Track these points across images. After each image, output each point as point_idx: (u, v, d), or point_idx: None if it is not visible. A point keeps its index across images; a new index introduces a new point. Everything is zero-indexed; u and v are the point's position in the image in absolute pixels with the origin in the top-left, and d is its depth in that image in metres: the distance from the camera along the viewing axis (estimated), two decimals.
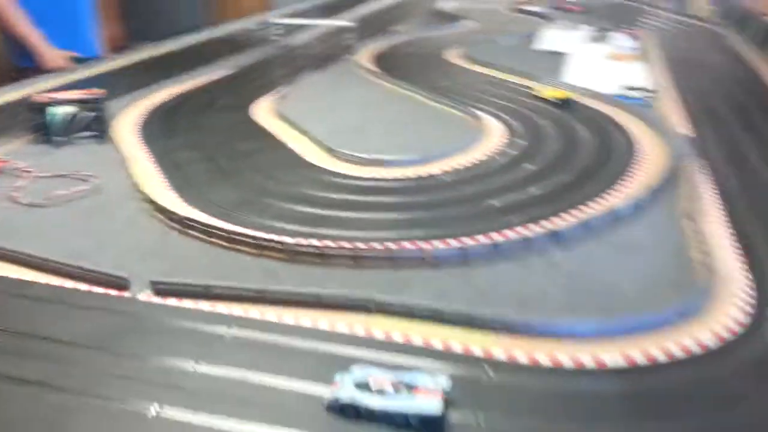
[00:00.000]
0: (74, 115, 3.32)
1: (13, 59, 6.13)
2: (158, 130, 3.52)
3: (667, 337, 1.87)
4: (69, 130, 3.33)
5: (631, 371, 1.72)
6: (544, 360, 1.70)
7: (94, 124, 3.33)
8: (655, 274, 2.09)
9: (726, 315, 1.96)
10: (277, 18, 5.99)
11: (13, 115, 3.61)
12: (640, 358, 1.77)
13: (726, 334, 1.86)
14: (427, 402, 1.53)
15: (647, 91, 4.21)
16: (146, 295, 1.95)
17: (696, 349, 1.80)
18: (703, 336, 1.87)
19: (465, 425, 1.32)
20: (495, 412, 1.41)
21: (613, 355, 1.79)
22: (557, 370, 1.61)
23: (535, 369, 1.61)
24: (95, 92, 3.48)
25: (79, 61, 5.29)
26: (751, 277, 2.07)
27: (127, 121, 3.79)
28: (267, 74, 4.94)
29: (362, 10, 7.86)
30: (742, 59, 5.07)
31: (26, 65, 5.30)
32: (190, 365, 1.61)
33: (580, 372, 1.63)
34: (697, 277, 1.99)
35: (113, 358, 1.67)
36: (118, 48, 5.95)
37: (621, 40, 5.77)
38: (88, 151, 3.16)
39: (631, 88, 4.33)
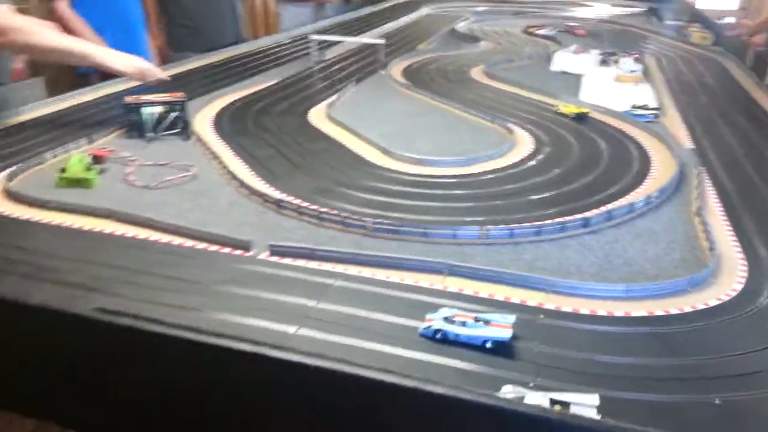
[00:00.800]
0: (163, 115, 4.14)
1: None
2: (231, 129, 3.78)
3: (680, 299, 2.55)
4: (158, 127, 4.28)
5: (651, 319, 2.29)
6: (584, 311, 2.43)
7: (178, 123, 4.31)
8: (670, 255, 2.68)
9: (725, 284, 2.61)
10: (312, 34, 7.29)
11: (100, 113, 4.56)
12: (658, 312, 2.52)
13: (724, 297, 2.51)
14: (500, 330, 2.04)
15: (653, 109, 5.02)
16: (265, 256, 2.67)
17: (700, 306, 2.43)
18: (707, 298, 2.57)
19: (525, 348, 1.80)
20: (546, 342, 2.00)
21: (638, 310, 2.51)
22: (594, 317, 2.13)
23: (577, 315, 2.13)
24: (177, 95, 4.29)
25: None
26: (743, 258, 2.80)
27: (202, 121, 4.54)
28: (311, 85, 5.85)
29: (382, 29, 9.61)
30: (735, 81, 6.18)
31: (86, 71, 5.88)
32: (312, 303, 2.08)
33: (612, 318, 2.19)
34: (704, 257, 2.61)
35: (247, 296, 2.15)
36: (163, 58, 7.63)
37: (626, 64, 6.98)
38: (175, 145, 3.67)
39: (638, 107, 5.23)
